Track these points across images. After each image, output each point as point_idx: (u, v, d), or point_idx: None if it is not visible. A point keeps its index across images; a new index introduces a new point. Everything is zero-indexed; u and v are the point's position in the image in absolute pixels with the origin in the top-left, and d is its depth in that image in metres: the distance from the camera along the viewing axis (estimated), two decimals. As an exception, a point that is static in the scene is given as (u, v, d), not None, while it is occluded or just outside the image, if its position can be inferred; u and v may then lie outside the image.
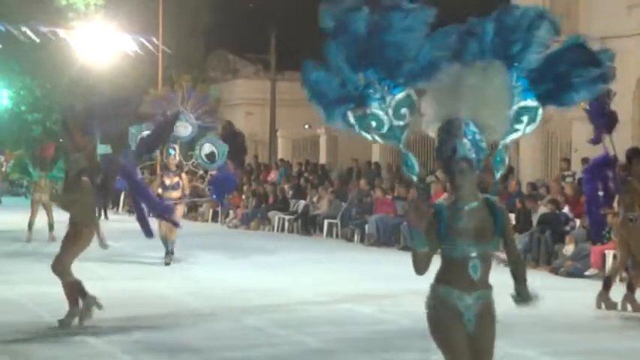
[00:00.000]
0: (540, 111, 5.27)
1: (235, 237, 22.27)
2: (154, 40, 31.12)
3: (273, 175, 28.33)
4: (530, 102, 5.23)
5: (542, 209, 16.60)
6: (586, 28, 17.85)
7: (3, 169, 42.12)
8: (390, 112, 5.07)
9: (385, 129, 5.08)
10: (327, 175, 26.09)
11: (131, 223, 26.82)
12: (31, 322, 9.81)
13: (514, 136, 5.28)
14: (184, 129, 15.60)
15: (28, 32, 29.64)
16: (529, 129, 5.30)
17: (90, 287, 9.70)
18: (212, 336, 9.23)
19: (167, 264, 15.01)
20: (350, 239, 20.99)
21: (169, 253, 15.15)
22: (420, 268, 4.81)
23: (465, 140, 4.75)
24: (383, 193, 21.13)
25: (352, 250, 19.20)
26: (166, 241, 15.02)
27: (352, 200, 22.24)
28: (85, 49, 31.17)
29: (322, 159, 29.63)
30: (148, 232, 10.62)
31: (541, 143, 21.44)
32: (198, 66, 37.63)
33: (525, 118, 5.24)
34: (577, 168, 18.43)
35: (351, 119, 5.10)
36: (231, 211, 26.77)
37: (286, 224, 23.95)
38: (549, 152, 21.66)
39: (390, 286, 13.07)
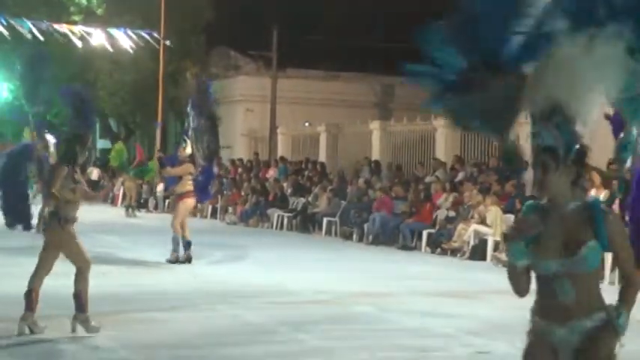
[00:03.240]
0: None
1: (234, 234, 22.29)
2: (156, 34, 31.09)
3: (272, 172, 28.35)
4: None
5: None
6: None
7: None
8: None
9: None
10: (326, 173, 26.09)
11: (131, 218, 26.72)
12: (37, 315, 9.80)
13: None
14: (194, 120, 15.56)
15: (30, 25, 29.58)
16: None
17: (90, 282, 9.68)
18: (211, 332, 9.24)
19: (176, 261, 14.87)
20: (349, 238, 21.01)
21: (187, 249, 14.97)
22: (520, 287, 3.99)
23: (552, 127, 3.82)
24: (382, 192, 21.13)
25: (351, 249, 19.22)
26: (177, 237, 14.88)
27: (351, 199, 22.25)
28: (86, 43, 31.08)
29: (322, 157, 29.65)
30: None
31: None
32: (200, 62, 37.63)
33: None
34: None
35: (451, 105, 4.24)
36: (230, 208, 26.79)
37: (285, 222, 23.96)
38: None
39: (390, 284, 13.09)
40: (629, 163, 4.14)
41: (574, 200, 3.86)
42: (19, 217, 9.54)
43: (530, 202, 3.99)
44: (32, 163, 9.57)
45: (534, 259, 3.85)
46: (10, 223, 10.03)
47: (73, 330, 8.80)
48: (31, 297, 8.76)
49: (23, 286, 8.95)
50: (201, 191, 15.57)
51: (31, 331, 8.69)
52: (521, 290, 3.98)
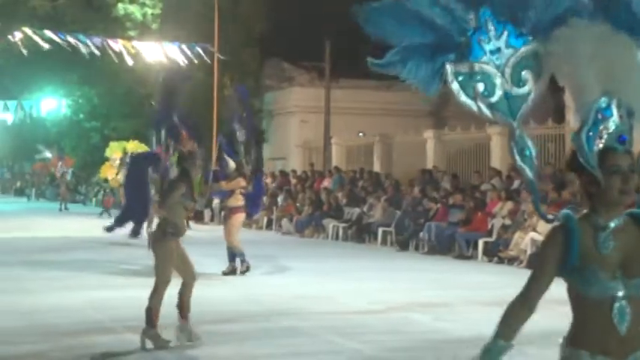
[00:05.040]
0: None
1: (290, 245, 22.35)
2: (210, 48, 31.36)
3: (327, 183, 28.38)
4: None
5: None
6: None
7: (68, 177, 42.83)
8: (508, 72, 3.62)
9: (496, 97, 3.62)
10: (381, 183, 26.04)
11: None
12: (88, 326, 9.95)
13: None
14: (240, 133, 15.64)
15: (87, 42, 30.06)
16: None
17: (147, 294, 9.75)
18: (266, 343, 9.26)
19: (242, 272, 14.98)
20: (404, 247, 20.93)
21: (243, 260, 15.07)
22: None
23: (629, 126, 3.32)
24: (435, 201, 21.03)
25: (406, 259, 19.14)
26: (235, 250, 14.97)
27: (406, 208, 22.18)
28: (141, 57, 31.48)
29: (376, 166, 29.61)
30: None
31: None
32: (253, 74, 37.87)
33: None
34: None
35: (451, 77, 3.61)
36: (284, 219, 26.85)
37: (341, 232, 23.95)
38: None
39: (445, 294, 13.01)
40: None
41: (620, 215, 3.36)
42: (133, 219, 9.61)
43: (568, 212, 3.38)
44: (156, 172, 9.77)
45: (586, 279, 3.29)
46: (120, 224, 9.94)
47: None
48: (150, 313, 8.86)
49: (74, 298, 9.07)
50: (252, 205, 15.68)
51: (155, 345, 8.81)
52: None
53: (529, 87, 3.62)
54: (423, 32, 3.57)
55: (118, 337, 9.42)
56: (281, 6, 35.09)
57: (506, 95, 3.61)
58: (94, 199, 42.64)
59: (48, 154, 47.38)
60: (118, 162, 31.18)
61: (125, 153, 30.54)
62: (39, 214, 34.03)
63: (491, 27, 3.60)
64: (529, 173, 3.66)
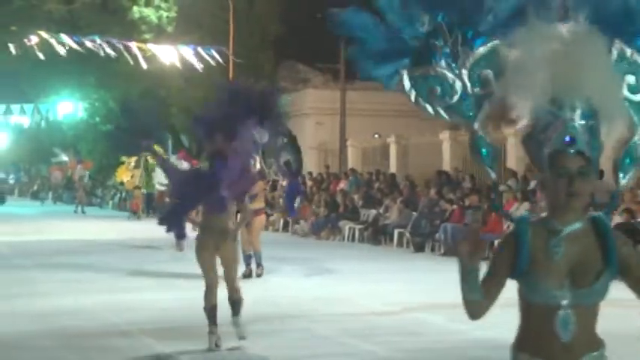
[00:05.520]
0: None
1: (306, 246, 22.32)
2: (225, 50, 31.42)
3: (343, 185, 28.34)
4: None
5: (617, 219, 16.29)
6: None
7: (85, 180, 43.00)
8: (465, 74, 3.57)
9: (455, 98, 3.59)
10: (397, 184, 25.98)
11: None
12: (104, 329, 9.96)
13: None
14: (262, 136, 15.44)
15: (103, 45, 30.19)
16: None
17: (168, 297, 9.77)
18: (281, 345, 9.25)
19: (258, 275, 14.96)
20: (420, 249, 20.86)
21: (259, 264, 15.04)
22: (474, 314, 3.39)
23: (580, 128, 3.19)
24: (451, 203, 20.96)
25: (422, 260, 19.08)
26: (249, 254, 14.92)
27: (422, 209, 22.11)
28: (157, 60, 31.59)
29: (392, 168, 29.55)
30: None
31: (612, 151, 20.95)
32: (268, 76, 37.92)
33: None
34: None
35: (406, 81, 3.63)
36: (302, 221, 26.83)
37: (356, 233, 23.91)
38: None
39: (460, 295, 12.95)
40: (629, 177, 3.58)
41: (579, 219, 3.24)
42: (177, 223, 9.51)
43: (523, 216, 3.39)
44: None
45: (533, 285, 3.21)
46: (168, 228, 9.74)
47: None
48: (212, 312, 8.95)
49: (90, 301, 9.08)
50: (289, 207, 15.67)
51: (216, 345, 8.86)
52: (475, 316, 3.37)
53: (490, 87, 3.53)
54: (376, 36, 3.60)
55: (133, 340, 9.43)
56: (295, 8, 35.13)
57: (464, 97, 3.56)
58: (110, 202, 42.79)
59: (64, 158, 47.59)
60: (133, 165, 31.28)
61: (140, 155, 30.62)
62: (55, 217, 34.15)
63: (445, 30, 3.55)
64: (491, 172, 3.64)
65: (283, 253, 18.68)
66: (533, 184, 20.33)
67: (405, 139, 30.22)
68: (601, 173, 11.81)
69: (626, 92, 3.51)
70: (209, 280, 8.93)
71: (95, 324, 10.31)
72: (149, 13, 38.06)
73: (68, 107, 45.20)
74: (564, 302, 3.17)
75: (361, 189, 26.53)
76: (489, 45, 3.53)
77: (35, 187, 53.55)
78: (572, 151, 3.16)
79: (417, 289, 13.91)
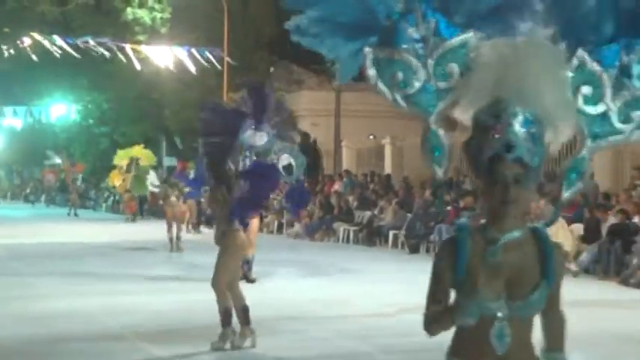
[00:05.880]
0: None
1: (301, 248, 22.27)
2: (219, 52, 31.34)
3: (337, 186, 28.29)
4: None
5: (612, 219, 16.27)
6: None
7: (78, 182, 42.89)
8: (431, 64, 3.39)
9: (415, 89, 3.41)
10: (392, 185, 25.94)
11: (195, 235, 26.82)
12: (99, 332, 9.90)
13: (614, 140, 3.58)
14: (260, 137, 15.34)
15: (97, 47, 30.12)
16: (638, 134, 3.56)
17: (163, 299, 9.73)
18: (277, 346, 9.20)
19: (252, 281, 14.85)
20: (415, 250, 20.82)
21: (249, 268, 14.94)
22: (432, 330, 3.22)
23: (521, 134, 3.02)
24: (446, 204, 20.91)
25: (418, 261, 18.99)
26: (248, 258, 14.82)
27: (417, 211, 22.07)
28: (151, 62, 31.52)
29: (387, 169, 29.51)
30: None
31: (611, 152, 20.93)
32: (263, 77, 37.88)
33: (639, 116, 3.51)
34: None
35: (369, 62, 3.42)
36: (295, 223, 26.76)
37: (351, 235, 23.87)
38: (619, 161, 21.13)
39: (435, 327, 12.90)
40: (572, 192, 3.49)
41: (518, 227, 3.10)
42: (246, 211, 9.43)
43: (463, 222, 3.21)
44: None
45: (468, 294, 3.03)
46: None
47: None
48: (246, 313, 8.98)
49: (85, 304, 9.01)
50: (292, 209, 15.68)
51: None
52: (433, 332, 3.21)
53: (453, 82, 3.36)
54: (346, 9, 3.38)
55: (128, 343, 9.37)
56: (290, 8, 35.08)
57: (426, 88, 3.38)
58: (103, 205, 42.68)
59: (57, 160, 47.44)
60: (124, 169, 31.25)
61: (132, 159, 30.67)
62: (49, 219, 34.06)
63: (420, 13, 3.37)
64: (439, 172, 3.48)
65: (278, 255, 18.62)
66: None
67: (400, 141, 30.17)
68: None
69: (580, 104, 3.44)
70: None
71: (90, 327, 10.24)
72: (143, 14, 37.96)
73: (61, 109, 45.02)
74: (500, 315, 3.05)
75: (356, 190, 26.49)
76: (461, 38, 3.36)
77: (28, 190, 53.41)
78: (510, 157, 2.99)
79: (413, 290, 13.76)
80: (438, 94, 3.37)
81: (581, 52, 3.41)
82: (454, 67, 3.35)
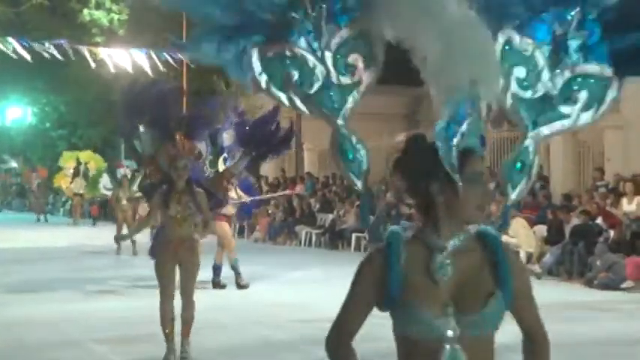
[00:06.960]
0: (615, 86, 3.03)
1: (263, 252, 22.09)
2: (178, 54, 31.02)
3: (299, 189, 28.14)
4: (598, 68, 3.02)
5: (575, 220, 16.27)
6: None
7: (35, 187, 42.32)
8: (329, 57, 2.93)
9: (315, 87, 2.96)
10: (354, 188, 25.81)
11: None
12: (57, 340, 9.66)
13: (559, 125, 3.05)
14: (228, 137, 15.01)
15: (52, 49, 29.68)
16: (586, 117, 3.06)
17: (115, 305, 9.53)
18: (240, 352, 9.06)
19: (222, 287, 14.54)
20: (378, 252, 20.73)
21: (237, 273, 14.64)
22: None
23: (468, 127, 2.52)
24: (410, 206, 20.86)
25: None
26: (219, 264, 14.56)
27: (380, 214, 21.98)
28: (109, 64, 31.16)
29: (349, 172, 29.39)
30: None
31: (572, 153, 20.98)
32: (224, 77, 37.60)
33: (584, 96, 3.02)
34: (610, 178, 18.08)
35: (255, 63, 2.91)
36: (257, 226, 26.57)
37: (314, 238, 23.73)
38: (581, 162, 21.15)
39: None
40: (520, 190, 2.98)
41: (460, 231, 2.59)
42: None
43: (395, 230, 2.66)
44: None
45: (410, 315, 2.58)
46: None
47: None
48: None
49: (45, 311, 8.78)
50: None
51: None
52: None
53: (358, 75, 2.94)
54: (223, 7, 2.86)
55: (87, 350, 9.15)
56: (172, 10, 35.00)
57: (327, 85, 2.93)
58: (61, 209, 42.17)
59: (14, 164, 46.80)
60: (71, 171, 30.97)
61: (79, 163, 30.39)
62: (6, 225, 33.53)
63: (308, 4, 2.87)
64: (356, 181, 3.07)
65: (240, 259, 18.40)
66: (491, 185, 20.27)
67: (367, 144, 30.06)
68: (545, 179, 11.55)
69: (514, 88, 2.99)
70: (169, 291, 8.26)
71: (48, 335, 10.00)
72: (100, 15, 37.53)
73: (17, 112, 44.46)
74: (450, 333, 2.53)
75: (318, 193, 26.37)
76: (359, 23, 2.87)
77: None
78: (481, 152, 2.55)
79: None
80: (341, 90, 2.95)
81: (507, 29, 2.96)
82: (356, 59, 2.92)
